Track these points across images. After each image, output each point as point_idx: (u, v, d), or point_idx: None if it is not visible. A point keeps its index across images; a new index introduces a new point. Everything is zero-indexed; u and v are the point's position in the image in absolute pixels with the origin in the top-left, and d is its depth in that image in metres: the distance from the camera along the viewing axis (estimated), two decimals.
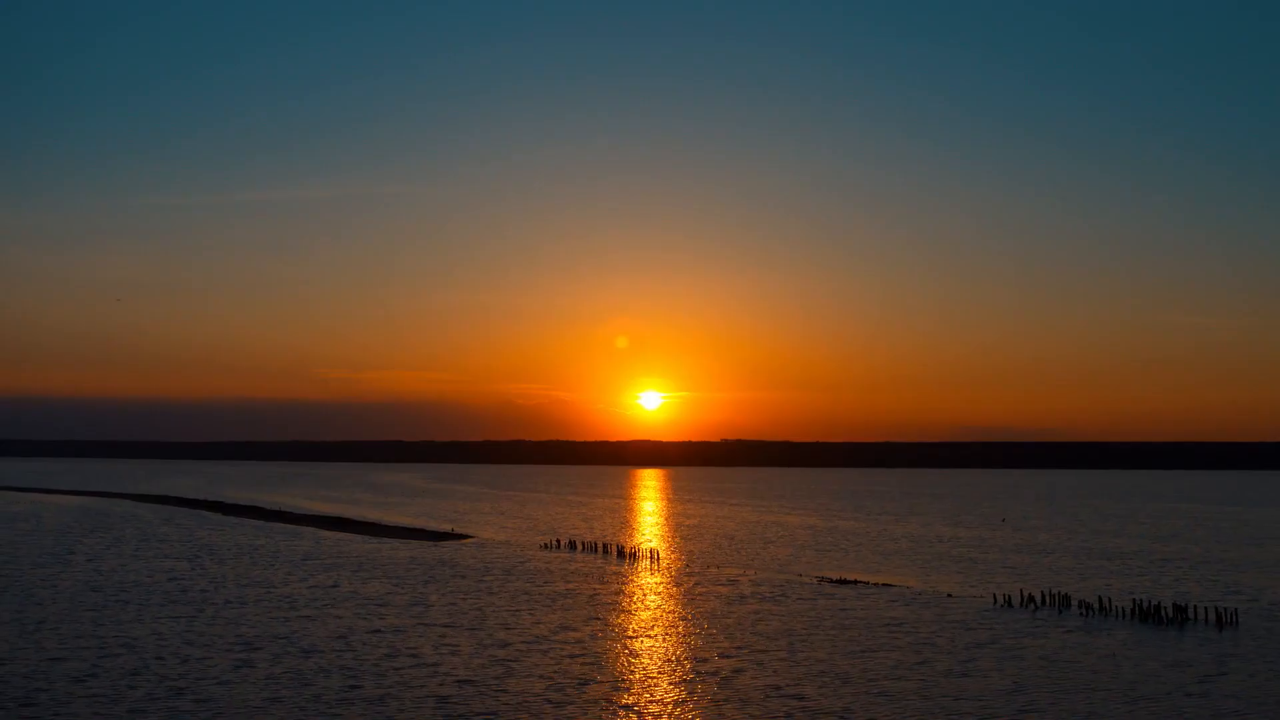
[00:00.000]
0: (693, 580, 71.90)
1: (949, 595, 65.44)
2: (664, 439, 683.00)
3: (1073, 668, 42.57)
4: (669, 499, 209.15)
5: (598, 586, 68.07)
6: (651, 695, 37.38)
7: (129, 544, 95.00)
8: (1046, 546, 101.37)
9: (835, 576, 74.35)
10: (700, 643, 47.87)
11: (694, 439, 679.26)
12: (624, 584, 69.75)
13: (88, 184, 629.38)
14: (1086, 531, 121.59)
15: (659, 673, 41.20)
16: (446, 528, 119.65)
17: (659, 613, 57.50)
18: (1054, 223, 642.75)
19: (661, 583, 70.76)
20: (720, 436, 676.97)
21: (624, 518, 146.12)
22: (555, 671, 40.95)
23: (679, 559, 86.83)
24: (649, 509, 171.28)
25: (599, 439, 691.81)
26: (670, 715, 34.46)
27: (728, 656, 44.54)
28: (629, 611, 57.76)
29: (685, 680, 39.90)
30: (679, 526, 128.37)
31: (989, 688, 38.50)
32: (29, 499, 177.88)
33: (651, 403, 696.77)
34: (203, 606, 57.46)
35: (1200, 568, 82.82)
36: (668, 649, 46.45)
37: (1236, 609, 58.56)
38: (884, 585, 69.65)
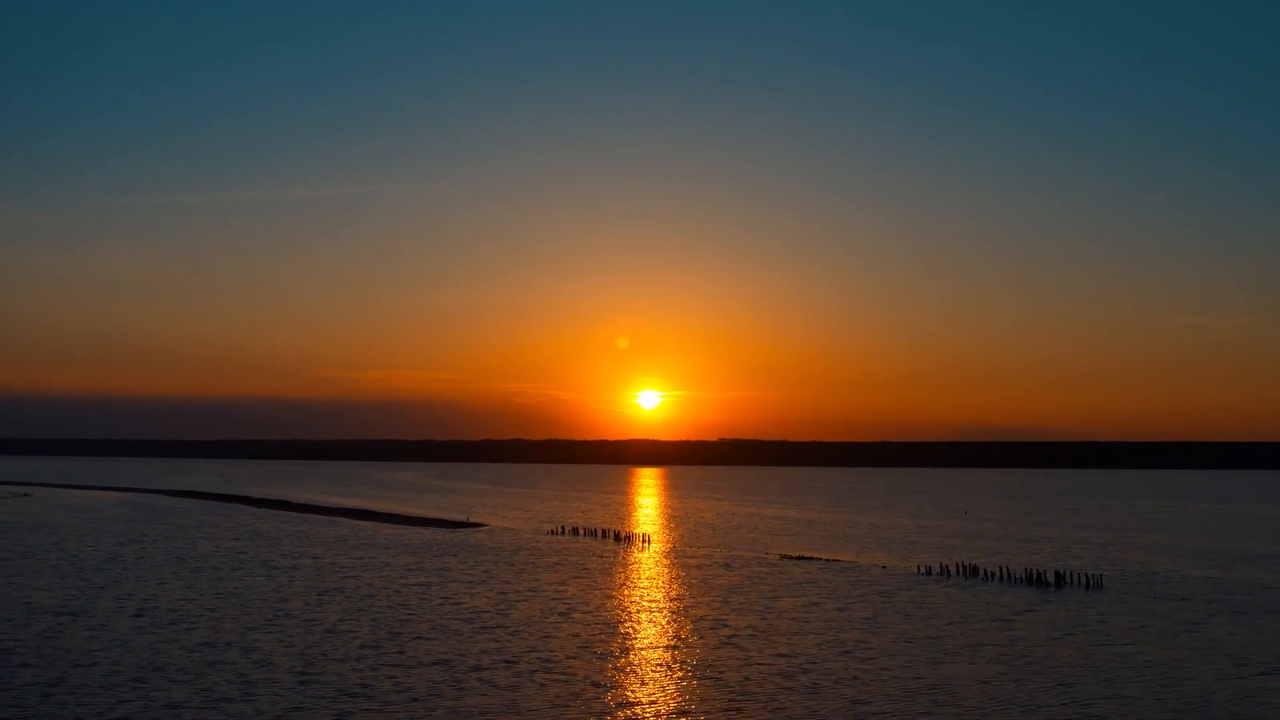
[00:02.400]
0: (670, 556, 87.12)
1: (883, 567, 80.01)
2: (662, 438, 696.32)
3: (927, 606, 57.76)
4: (662, 495, 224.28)
5: (590, 559, 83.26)
6: (616, 619, 52.67)
7: (188, 530, 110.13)
8: (988, 533, 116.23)
9: (791, 554, 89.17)
10: (660, 594, 63.15)
11: (692, 438, 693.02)
12: (613, 558, 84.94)
13: (86, 183, 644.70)
14: (1030, 522, 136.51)
15: (624, 608, 56.51)
16: (461, 517, 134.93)
17: (635, 575, 72.71)
18: (1053, 223, 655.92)
19: (643, 557, 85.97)
20: (718, 436, 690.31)
21: (619, 510, 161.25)
22: (547, 606, 56.29)
23: (663, 541, 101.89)
24: (643, 503, 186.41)
25: (598, 438, 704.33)
26: (626, 631, 49.60)
27: (677, 599, 59.97)
28: (611, 574, 72.98)
29: (642, 612, 55.30)
30: (668, 517, 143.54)
31: (854, 616, 53.83)
32: (71, 495, 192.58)
33: (650, 402, 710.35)
34: (273, 571, 72.57)
35: (1104, 548, 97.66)
36: (635, 595, 61.75)
37: (1102, 575, 73.33)
38: (830, 560, 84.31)
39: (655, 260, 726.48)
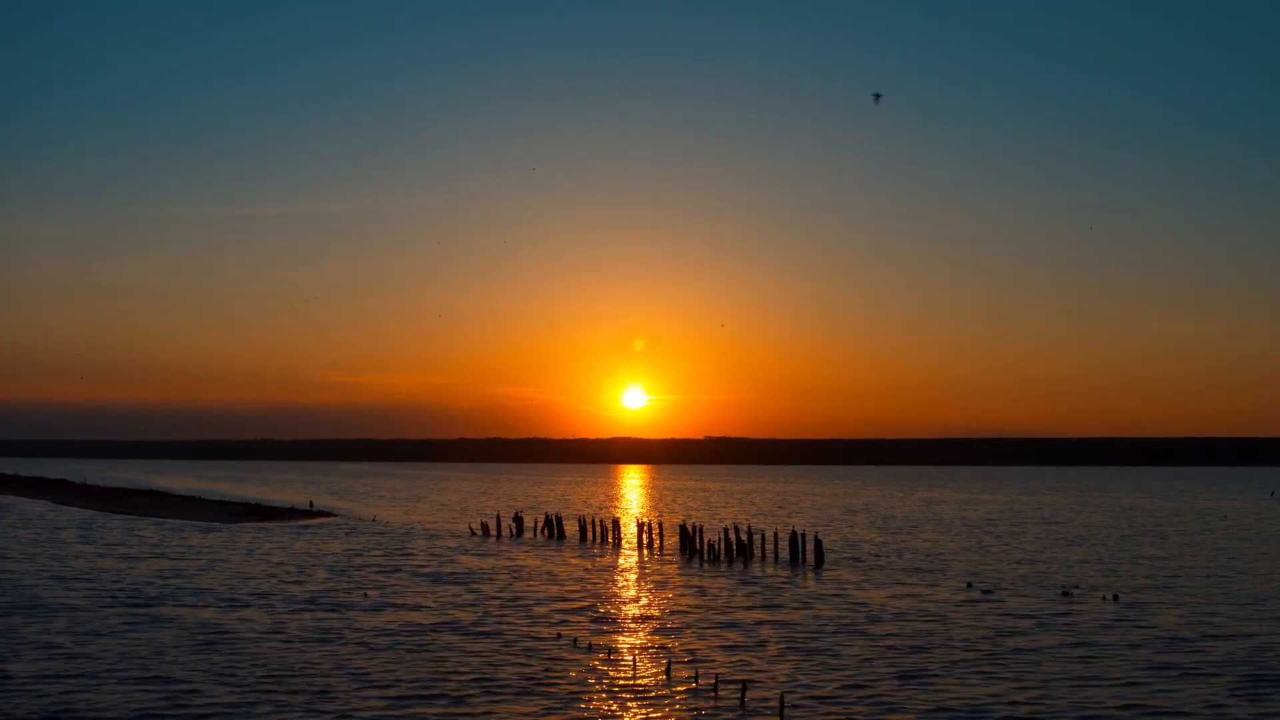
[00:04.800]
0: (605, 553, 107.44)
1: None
2: (651, 437, 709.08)
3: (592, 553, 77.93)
4: (648, 490, 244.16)
5: (585, 558, 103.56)
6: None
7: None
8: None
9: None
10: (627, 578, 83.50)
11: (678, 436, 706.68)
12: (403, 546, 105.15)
13: (101, 194, 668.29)
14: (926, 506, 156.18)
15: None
16: (305, 505, 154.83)
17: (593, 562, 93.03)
18: (1041, 228, 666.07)
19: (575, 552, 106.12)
20: (704, 434, 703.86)
21: (597, 500, 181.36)
22: (556, 591, 76.59)
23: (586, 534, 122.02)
24: (618, 494, 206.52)
25: (596, 437, 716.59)
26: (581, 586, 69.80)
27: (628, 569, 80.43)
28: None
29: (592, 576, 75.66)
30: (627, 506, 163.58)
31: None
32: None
33: (642, 405, 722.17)
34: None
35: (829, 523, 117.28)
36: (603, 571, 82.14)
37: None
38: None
39: (652, 265, 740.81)
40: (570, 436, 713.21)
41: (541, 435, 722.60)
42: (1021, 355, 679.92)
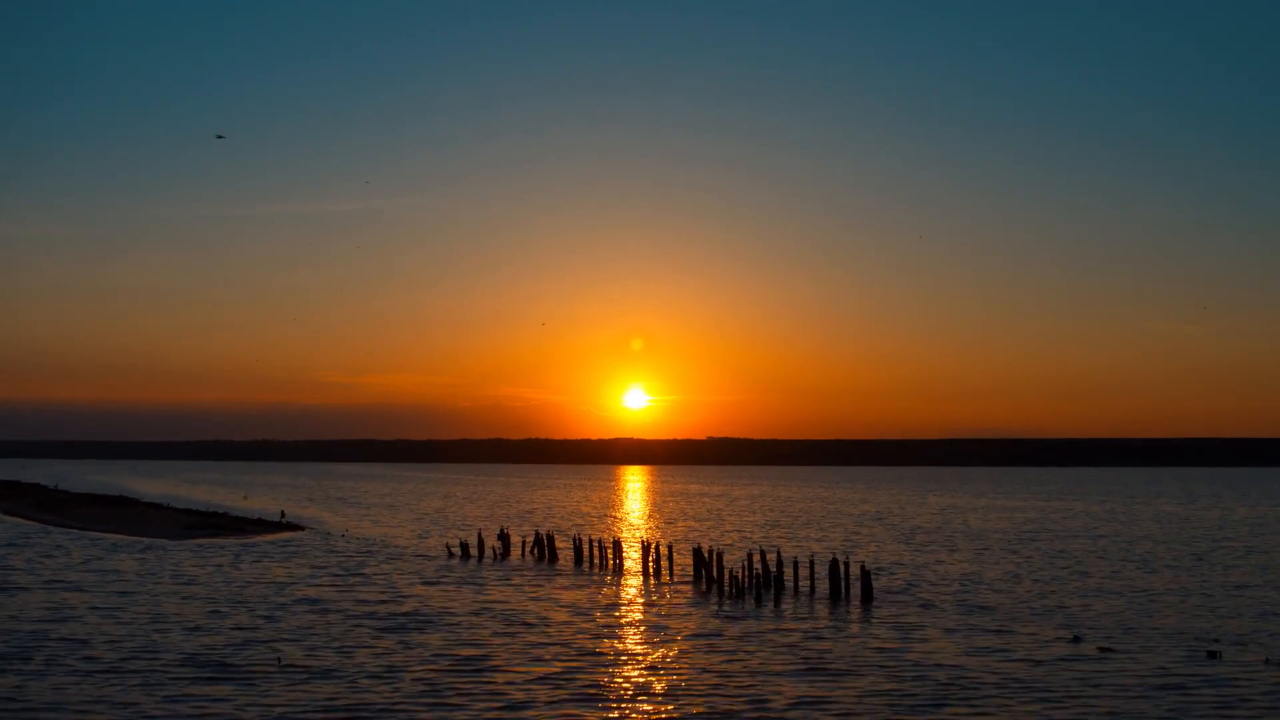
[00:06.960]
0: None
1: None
2: (653, 437, 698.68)
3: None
4: (649, 495, 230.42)
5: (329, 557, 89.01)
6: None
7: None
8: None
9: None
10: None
11: (680, 437, 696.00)
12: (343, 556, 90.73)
13: (101, 194, 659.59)
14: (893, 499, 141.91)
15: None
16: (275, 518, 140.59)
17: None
18: (1041, 228, 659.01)
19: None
20: (706, 435, 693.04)
21: (588, 507, 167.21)
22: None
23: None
24: (617, 501, 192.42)
25: (597, 438, 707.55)
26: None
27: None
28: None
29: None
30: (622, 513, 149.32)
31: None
32: None
33: (644, 405, 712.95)
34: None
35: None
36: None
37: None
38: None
39: (652, 265, 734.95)
40: (571, 437, 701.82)
41: (542, 436, 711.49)
42: (1022, 355, 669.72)
